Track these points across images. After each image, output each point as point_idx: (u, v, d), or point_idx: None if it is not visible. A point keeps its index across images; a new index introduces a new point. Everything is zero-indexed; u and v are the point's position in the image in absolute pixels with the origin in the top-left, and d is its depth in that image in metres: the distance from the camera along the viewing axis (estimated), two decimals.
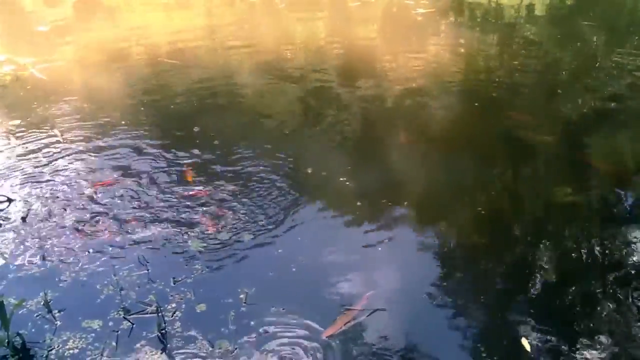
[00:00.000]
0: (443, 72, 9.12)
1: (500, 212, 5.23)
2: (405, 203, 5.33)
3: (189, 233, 4.84)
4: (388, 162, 6.13)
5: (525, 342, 3.59)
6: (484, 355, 3.59)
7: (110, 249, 4.65)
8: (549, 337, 3.67)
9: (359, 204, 5.31)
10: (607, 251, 4.59)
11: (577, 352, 3.55)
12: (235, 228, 4.89)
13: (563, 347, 3.59)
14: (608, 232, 4.84)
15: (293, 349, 3.64)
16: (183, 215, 5.12)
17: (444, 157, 6.25)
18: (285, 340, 3.70)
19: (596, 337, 3.66)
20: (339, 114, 7.54)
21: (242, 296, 4.06)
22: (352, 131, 7.06)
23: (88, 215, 5.14)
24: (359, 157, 6.28)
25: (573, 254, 4.62)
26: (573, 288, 4.17)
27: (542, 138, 6.52)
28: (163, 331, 3.77)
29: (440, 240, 4.88)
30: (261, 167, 5.96)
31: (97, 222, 5.03)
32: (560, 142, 6.49)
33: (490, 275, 4.45)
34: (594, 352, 3.53)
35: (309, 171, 5.88)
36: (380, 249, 4.65)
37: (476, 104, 7.81)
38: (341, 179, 5.71)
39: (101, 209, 5.24)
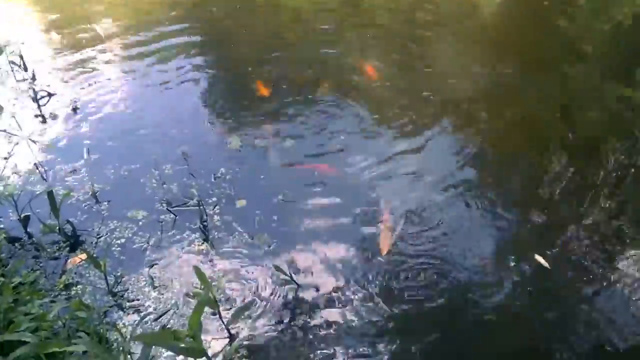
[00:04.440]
0: None
1: (544, 119, 5.09)
2: (443, 105, 5.26)
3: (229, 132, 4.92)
4: (431, 64, 6.02)
5: (540, 259, 3.56)
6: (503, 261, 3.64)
7: (152, 145, 4.75)
8: (570, 255, 3.64)
9: (398, 107, 5.25)
10: None
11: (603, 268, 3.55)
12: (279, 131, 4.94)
13: (587, 262, 3.58)
14: None
15: (329, 243, 3.76)
16: (225, 116, 5.19)
17: (489, 59, 6.07)
18: (323, 237, 3.81)
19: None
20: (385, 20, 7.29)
21: (280, 196, 4.14)
22: (397, 35, 6.84)
23: (130, 112, 5.25)
24: (405, 60, 6.17)
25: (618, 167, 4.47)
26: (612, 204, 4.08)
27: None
28: (205, 223, 3.92)
29: (475, 145, 4.75)
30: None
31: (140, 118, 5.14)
32: None
33: (524, 182, 4.39)
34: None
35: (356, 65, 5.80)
36: (412, 153, 4.64)
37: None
38: (380, 83, 5.64)
39: (141, 106, 5.34)
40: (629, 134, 4.70)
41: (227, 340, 3.13)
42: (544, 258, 3.55)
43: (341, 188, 4.23)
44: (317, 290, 3.43)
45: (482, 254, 3.64)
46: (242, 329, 3.18)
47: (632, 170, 4.30)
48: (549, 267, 3.50)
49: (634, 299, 3.28)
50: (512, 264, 3.55)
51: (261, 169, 4.44)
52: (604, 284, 3.39)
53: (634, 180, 4.20)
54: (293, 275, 3.47)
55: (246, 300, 3.34)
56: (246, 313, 3.20)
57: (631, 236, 3.71)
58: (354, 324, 3.21)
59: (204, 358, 2.86)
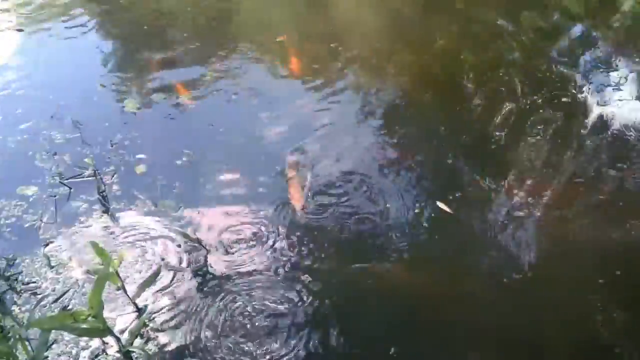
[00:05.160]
0: None
1: (448, 61, 5.08)
2: (346, 53, 5.15)
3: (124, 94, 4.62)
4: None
5: (442, 205, 3.56)
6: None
7: (40, 113, 4.38)
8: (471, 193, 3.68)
9: (299, 58, 5.10)
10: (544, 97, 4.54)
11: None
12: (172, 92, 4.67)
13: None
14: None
15: (237, 203, 3.62)
16: (118, 78, 4.87)
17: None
18: (231, 198, 3.67)
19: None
20: None
21: (184, 158, 3.94)
22: None
23: (14, 78, 4.83)
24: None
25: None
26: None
27: None
28: (103, 194, 3.67)
29: (381, 94, 4.71)
30: None
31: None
32: None
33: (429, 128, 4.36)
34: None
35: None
36: (319, 103, 4.54)
37: None
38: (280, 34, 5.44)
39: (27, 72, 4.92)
40: (534, 70, 4.79)
41: (135, 314, 2.97)
42: (446, 204, 3.55)
43: (246, 146, 4.08)
44: (228, 253, 3.30)
45: (391, 202, 3.59)
46: (150, 301, 3.02)
47: (538, 109, 4.35)
48: (451, 213, 3.52)
49: (532, 235, 3.36)
50: (417, 210, 3.53)
51: (161, 131, 4.22)
52: (505, 224, 3.44)
53: (535, 119, 4.27)
54: (201, 240, 3.32)
55: (153, 271, 3.16)
56: (153, 284, 3.04)
57: (530, 176, 3.77)
58: (268, 285, 3.11)
59: (108, 336, 2.72)
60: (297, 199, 3.65)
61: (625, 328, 2.85)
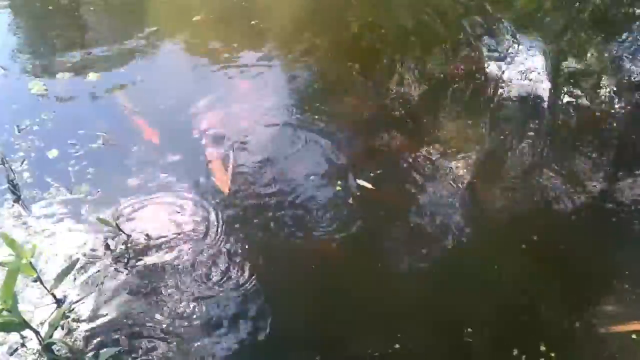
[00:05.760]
0: None
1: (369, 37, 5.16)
2: (270, 32, 5.12)
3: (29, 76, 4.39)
4: None
5: (362, 182, 3.61)
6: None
7: None
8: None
9: (218, 38, 5.01)
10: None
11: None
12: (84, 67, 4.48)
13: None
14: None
15: (158, 188, 3.55)
16: (21, 59, 4.62)
17: None
18: (151, 182, 3.58)
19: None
20: None
21: (99, 141, 3.81)
22: None
23: None
24: None
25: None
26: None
27: None
28: (13, 182, 3.50)
29: (301, 72, 4.71)
30: None
31: None
32: None
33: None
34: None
35: None
36: (241, 79, 4.51)
37: None
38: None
39: None
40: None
41: (54, 306, 2.88)
42: (366, 181, 3.61)
43: (165, 126, 3.99)
44: (150, 238, 3.23)
45: (314, 181, 3.63)
46: (68, 291, 2.93)
47: (453, 80, 4.50)
48: (373, 188, 3.59)
49: (451, 206, 3.48)
50: (339, 189, 3.57)
51: (72, 114, 4.05)
52: (424, 196, 3.54)
53: (449, 90, 4.42)
54: (120, 225, 3.23)
55: (70, 260, 3.05)
56: (71, 274, 2.94)
57: (446, 147, 3.89)
58: (193, 269, 3.07)
59: (26, 330, 2.62)
60: (223, 181, 3.62)
61: (545, 288, 3.03)
